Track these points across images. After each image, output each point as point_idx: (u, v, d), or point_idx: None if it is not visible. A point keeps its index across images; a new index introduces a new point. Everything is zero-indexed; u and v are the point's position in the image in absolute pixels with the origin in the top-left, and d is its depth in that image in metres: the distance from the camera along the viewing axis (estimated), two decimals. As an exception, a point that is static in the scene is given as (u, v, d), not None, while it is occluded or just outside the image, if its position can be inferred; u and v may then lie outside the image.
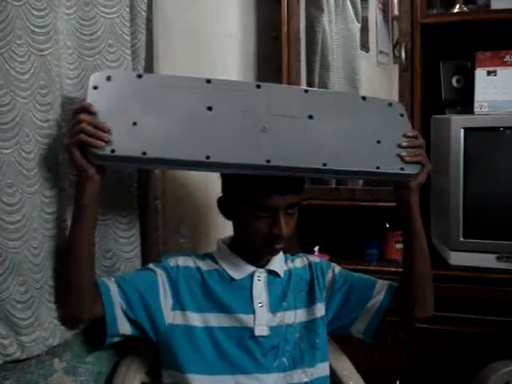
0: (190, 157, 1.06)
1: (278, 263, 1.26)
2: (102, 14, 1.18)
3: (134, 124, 1.05)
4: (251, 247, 1.20)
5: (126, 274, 1.22)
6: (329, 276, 1.29)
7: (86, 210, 1.07)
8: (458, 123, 1.69)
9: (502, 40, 1.74)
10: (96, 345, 1.20)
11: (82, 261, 1.08)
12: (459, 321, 1.72)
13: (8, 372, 1.02)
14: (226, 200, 1.22)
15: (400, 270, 1.28)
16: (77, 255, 1.08)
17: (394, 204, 1.24)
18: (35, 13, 1.01)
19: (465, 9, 1.81)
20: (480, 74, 1.75)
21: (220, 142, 1.08)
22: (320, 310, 1.26)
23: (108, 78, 1.08)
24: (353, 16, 2.05)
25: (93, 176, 1.05)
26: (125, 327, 1.15)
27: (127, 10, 1.23)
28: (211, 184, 1.51)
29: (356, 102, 1.23)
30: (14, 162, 1.00)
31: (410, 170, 1.16)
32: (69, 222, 1.10)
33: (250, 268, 1.22)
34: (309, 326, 1.25)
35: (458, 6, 1.81)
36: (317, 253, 1.89)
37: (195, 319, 1.18)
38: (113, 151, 1.02)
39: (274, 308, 1.22)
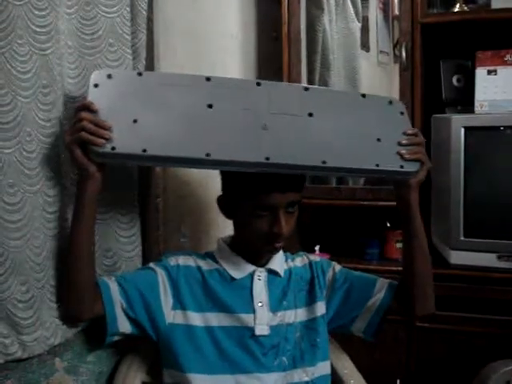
0: (190, 154, 1.06)
1: (279, 262, 1.26)
2: (103, 14, 1.18)
3: (135, 121, 1.05)
4: (251, 246, 1.20)
5: (126, 273, 1.22)
6: (329, 274, 1.29)
7: (86, 209, 1.07)
8: (458, 122, 1.69)
9: (502, 39, 1.74)
10: (97, 344, 1.20)
11: (81, 259, 1.08)
12: (459, 320, 1.73)
13: (9, 371, 1.02)
14: (226, 199, 1.22)
15: (400, 269, 1.28)
16: (77, 254, 1.08)
17: (394, 203, 1.24)
18: (36, 12, 1.02)
19: (465, 8, 1.81)
20: (480, 73, 1.76)
21: (220, 139, 1.08)
22: (320, 308, 1.26)
23: (109, 76, 1.09)
24: (353, 15, 2.05)
25: (94, 174, 1.05)
26: (125, 326, 1.15)
27: (128, 9, 1.23)
28: (212, 182, 1.51)
29: (356, 100, 1.23)
30: (16, 161, 1.00)
31: (410, 167, 1.17)
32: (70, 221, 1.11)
33: (251, 267, 1.22)
34: (309, 324, 1.25)
35: (458, 6, 1.81)
36: (317, 252, 1.89)
37: (196, 318, 1.18)
38: (113, 149, 1.03)
39: (275, 307, 1.22)
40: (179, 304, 1.18)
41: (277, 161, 1.08)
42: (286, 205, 1.14)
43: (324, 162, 1.11)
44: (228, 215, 1.23)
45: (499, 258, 1.67)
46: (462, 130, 1.68)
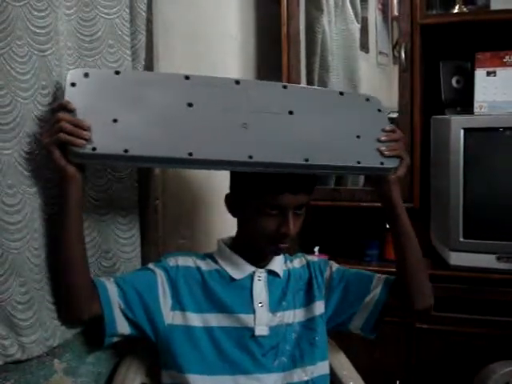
0: (172, 154, 1.05)
1: (278, 263, 1.26)
2: (102, 15, 1.18)
3: (115, 121, 1.04)
4: (256, 245, 1.19)
5: (125, 274, 1.22)
6: (327, 274, 1.29)
7: (72, 213, 1.05)
8: (457, 123, 1.69)
9: (501, 40, 1.75)
10: (96, 345, 1.19)
11: (73, 262, 1.07)
12: (459, 321, 1.73)
13: (8, 373, 1.02)
14: (234, 196, 1.22)
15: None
16: (67, 256, 1.07)
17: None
18: (36, 13, 1.02)
19: (464, 9, 1.82)
20: (480, 74, 1.76)
21: (202, 138, 1.07)
22: (319, 308, 1.26)
23: (86, 75, 1.06)
24: (352, 16, 2.05)
25: (74, 175, 1.03)
26: (123, 327, 1.15)
27: (127, 10, 1.23)
28: (212, 184, 1.51)
29: (334, 98, 1.24)
30: (15, 162, 1.00)
31: (389, 163, 1.18)
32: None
33: (251, 268, 1.22)
34: (308, 324, 1.25)
35: (457, 7, 1.82)
36: (317, 253, 1.90)
37: (195, 319, 1.18)
38: (94, 149, 1.01)
39: (274, 308, 1.22)
40: (178, 305, 1.18)
41: (260, 159, 1.08)
42: (296, 206, 1.15)
43: (306, 160, 1.11)
44: (234, 213, 1.23)
45: (498, 259, 1.67)
46: (462, 131, 1.68)
